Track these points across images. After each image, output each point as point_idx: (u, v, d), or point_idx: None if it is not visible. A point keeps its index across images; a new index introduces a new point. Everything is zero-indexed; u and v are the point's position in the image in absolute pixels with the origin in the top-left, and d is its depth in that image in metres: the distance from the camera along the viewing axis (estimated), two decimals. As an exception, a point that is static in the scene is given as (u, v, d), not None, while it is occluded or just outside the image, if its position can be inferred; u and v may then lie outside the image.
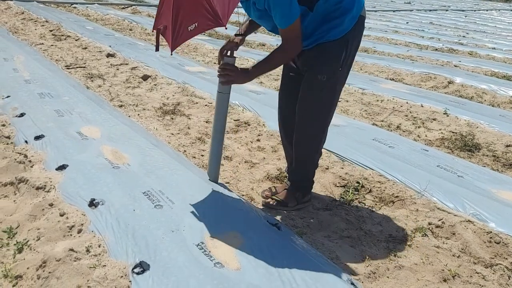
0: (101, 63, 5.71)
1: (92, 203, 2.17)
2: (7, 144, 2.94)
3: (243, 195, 2.51)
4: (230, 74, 2.05)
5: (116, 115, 3.65)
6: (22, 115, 3.37)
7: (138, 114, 3.91)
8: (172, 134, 3.49)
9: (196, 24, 1.82)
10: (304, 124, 2.15)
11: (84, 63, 5.63)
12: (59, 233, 1.97)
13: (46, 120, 3.26)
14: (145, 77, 5.14)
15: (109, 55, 6.06)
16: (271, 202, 2.37)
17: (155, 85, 4.94)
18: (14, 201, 2.29)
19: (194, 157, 3.05)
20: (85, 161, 2.63)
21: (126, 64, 5.70)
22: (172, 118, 3.88)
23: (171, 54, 2.01)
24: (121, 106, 4.10)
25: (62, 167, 2.54)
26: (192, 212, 2.13)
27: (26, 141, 2.92)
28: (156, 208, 2.16)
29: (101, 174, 2.49)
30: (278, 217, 2.28)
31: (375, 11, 16.61)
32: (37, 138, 2.95)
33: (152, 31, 2.63)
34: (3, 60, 5.17)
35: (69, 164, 2.57)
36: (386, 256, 2.06)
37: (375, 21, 13.01)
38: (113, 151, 2.81)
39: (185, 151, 3.13)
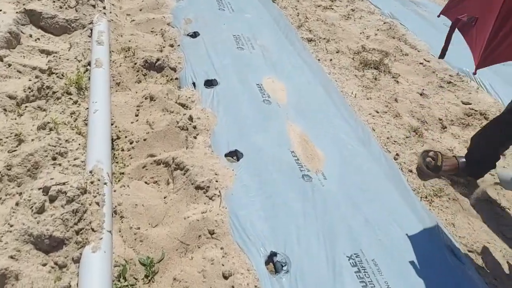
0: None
1: (271, 260, 1.37)
2: (172, 80, 2.22)
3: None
4: None
5: (305, 58, 2.68)
6: (195, 35, 2.59)
7: (331, 60, 2.89)
8: (377, 111, 2.44)
9: None
10: None
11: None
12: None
13: (222, 52, 2.44)
14: (341, -4, 3.96)
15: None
16: None
17: (353, 10, 3.76)
18: (165, 198, 1.60)
19: (411, 171, 2.03)
20: (265, 151, 1.79)
21: (320, -30, 4.50)
22: (375, 78, 2.79)
23: (474, 73, 1.30)
24: (310, 40, 3.10)
25: (233, 155, 1.75)
26: None
27: (194, 84, 2.17)
28: (369, 306, 1.29)
29: (286, 189, 1.64)
30: None
31: None
32: (208, 84, 2.18)
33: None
34: None
35: (244, 152, 1.76)
36: None
37: None
38: (303, 139, 1.92)
39: (397, 155, 2.11)
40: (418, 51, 3.25)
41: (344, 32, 3.36)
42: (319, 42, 3.12)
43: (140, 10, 2.86)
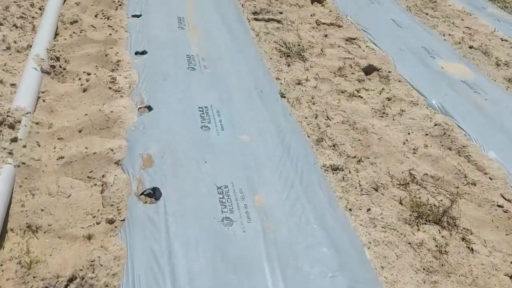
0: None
1: None
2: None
3: None
4: None
5: (332, 231, 1.67)
6: (155, 196, 1.57)
7: (368, 210, 1.89)
8: None
9: None
10: None
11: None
12: None
13: (194, 246, 1.43)
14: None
15: None
16: None
17: (389, 99, 2.77)
18: None
19: None
20: None
21: None
22: (439, 246, 1.79)
23: None
24: (335, 169, 2.09)
25: None
26: None
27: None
28: None
29: None
30: None
31: None
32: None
33: None
34: None
35: None
36: None
37: None
38: None
39: None
40: (491, 179, 2.24)
41: (381, 142, 2.37)
42: (349, 169, 2.12)
43: (80, 131, 1.87)
